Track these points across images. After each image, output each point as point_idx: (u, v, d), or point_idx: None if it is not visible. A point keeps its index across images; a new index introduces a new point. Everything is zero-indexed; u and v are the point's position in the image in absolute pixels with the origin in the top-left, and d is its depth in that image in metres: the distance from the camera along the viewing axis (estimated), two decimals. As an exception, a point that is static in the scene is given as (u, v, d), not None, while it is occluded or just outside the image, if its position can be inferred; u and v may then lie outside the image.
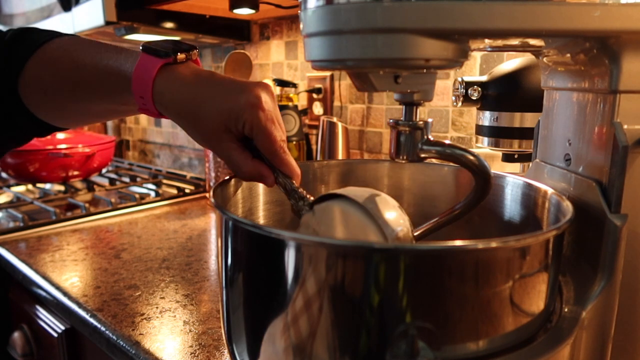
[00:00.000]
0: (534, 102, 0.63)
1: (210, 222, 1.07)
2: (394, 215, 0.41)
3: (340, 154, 1.12)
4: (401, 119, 0.41)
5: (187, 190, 1.30)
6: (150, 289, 0.73)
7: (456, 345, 0.32)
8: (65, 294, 0.72)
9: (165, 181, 1.44)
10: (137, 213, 1.15)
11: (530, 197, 0.46)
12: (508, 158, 0.71)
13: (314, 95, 1.28)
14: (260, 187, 0.52)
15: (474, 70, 0.99)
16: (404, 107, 0.40)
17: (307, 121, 1.32)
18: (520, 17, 0.33)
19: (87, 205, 1.12)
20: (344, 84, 1.23)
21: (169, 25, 1.22)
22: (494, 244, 0.31)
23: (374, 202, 0.41)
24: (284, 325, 0.33)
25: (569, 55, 0.42)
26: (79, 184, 1.39)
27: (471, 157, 0.40)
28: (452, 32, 0.34)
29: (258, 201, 0.53)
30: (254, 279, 0.36)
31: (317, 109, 1.28)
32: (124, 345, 0.59)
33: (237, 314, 0.38)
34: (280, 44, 1.36)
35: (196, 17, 1.27)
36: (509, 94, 0.66)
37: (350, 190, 0.43)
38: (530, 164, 0.51)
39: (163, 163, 1.86)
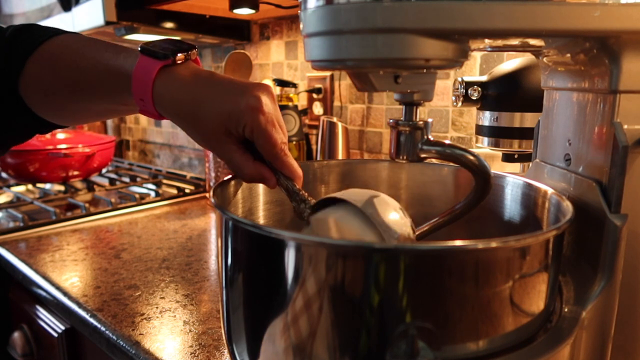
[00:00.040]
0: (534, 102, 0.63)
1: (210, 222, 1.07)
2: (395, 218, 0.41)
3: (340, 154, 1.12)
4: (401, 119, 0.41)
5: (187, 190, 1.30)
6: (150, 289, 0.73)
7: (456, 345, 0.32)
8: (65, 294, 0.72)
9: (165, 181, 1.44)
10: (137, 213, 1.15)
11: (530, 197, 0.46)
12: (508, 158, 0.71)
13: (314, 95, 1.28)
14: (261, 187, 0.52)
15: (474, 70, 0.99)
16: (404, 107, 0.40)
17: (307, 121, 1.32)
18: (520, 17, 0.33)
19: (87, 205, 1.12)
20: (344, 84, 1.23)
21: (169, 25, 1.22)
22: (494, 244, 0.31)
23: (373, 206, 0.41)
24: (284, 325, 0.33)
25: (569, 55, 0.42)
26: (79, 184, 1.39)
27: (471, 157, 0.40)
28: (452, 32, 0.34)
29: (258, 201, 0.53)
30: (254, 279, 0.36)
31: (317, 109, 1.28)
32: (124, 345, 0.59)
33: (237, 314, 0.38)
34: (280, 44, 1.36)
35: (196, 17, 1.27)
36: (509, 94, 0.66)
37: (350, 194, 0.43)
38: (530, 164, 0.51)
39: (163, 163, 1.86)
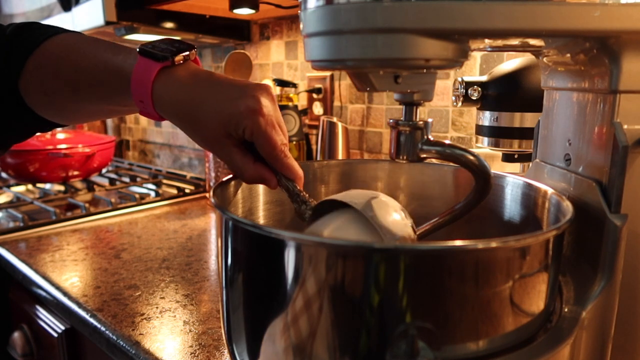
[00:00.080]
0: (534, 102, 0.63)
1: (210, 222, 1.07)
2: (395, 219, 0.41)
3: (340, 154, 1.12)
4: (401, 119, 0.41)
5: (187, 190, 1.30)
6: (150, 289, 0.73)
7: (456, 345, 0.32)
8: (65, 294, 0.72)
9: (165, 181, 1.44)
10: (137, 213, 1.15)
11: (530, 197, 0.46)
12: (508, 158, 0.71)
13: (314, 95, 1.28)
14: (261, 187, 0.52)
15: (474, 70, 0.99)
16: (404, 107, 0.40)
17: (307, 121, 1.32)
18: (520, 17, 0.33)
19: (87, 205, 1.12)
20: (344, 84, 1.23)
21: (169, 25, 1.22)
22: (494, 244, 0.31)
23: (373, 208, 0.41)
24: (284, 325, 0.33)
25: (569, 55, 0.42)
26: (79, 184, 1.39)
27: (471, 157, 0.40)
28: (452, 32, 0.34)
29: (258, 201, 0.53)
30: (254, 279, 0.36)
31: (317, 109, 1.28)
32: (124, 345, 0.59)
33: (237, 314, 0.38)
34: (280, 44, 1.36)
35: (196, 17, 1.27)
36: (509, 94, 0.66)
37: (350, 196, 0.43)
38: (530, 164, 0.51)
39: (163, 163, 1.86)
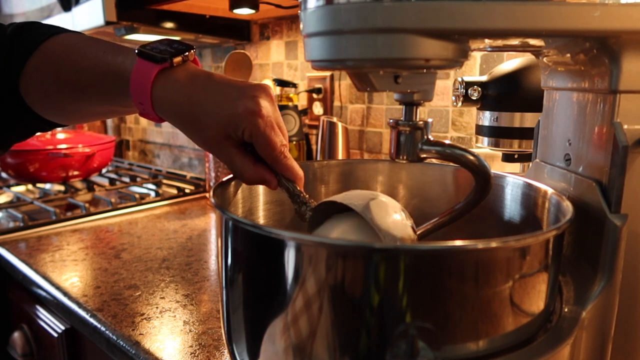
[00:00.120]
0: (534, 102, 0.63)
1: (210, 222, 1.07)
2: (395, 220, 0.41)
3: (340, 154, 1.12)
4: (401, 119, 0.41)
5: (187, 190, 1.30)
6: (150, 289, 0.73)
7: (456, 345, 0.32)
8: (65, 294, 0.72)
9: (165, 181, 1.44)
10: (137, 213, 1.15)
11: (530, 197, 0.46)
12: (508, 158, 0.71)
13: (314, 95, 1.28)
14: (261, 187, 0.52)
15: (474, 70, 0.99)
16: (404, 107, 0.40)
17: (307, 121, 1.32)
18: (520, 17, 0.33)
19: (87, 205, 1.12)
20: (344, 84, 1.23)
21: (169, 25, 1.22)
22: (494, 244, 0.31)
23: (373, 210, 0.41)
24: (284, 325, 0.33)
25: (569, 55, 0.42)
26: (79, 184, 1.39)
27: (471, 157, 0.40)
28: (452, 32, 0.34)
29: (258, 201, 0.53)
30: (254, 279, 0.36)
31: (317, 109, 1.28)
32: (124, 345, 0.59)
33: (237, 314, 0.38)
34: (280, 44, 1.36)
35: (196, 17, 1.27)
36: (509, 94, 0.66)
37: (350, 197, 0.43)
38: (530, 164, 0.51)
39: (163, 163, 1.86)
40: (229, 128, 0.44)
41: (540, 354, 0.34)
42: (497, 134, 0.68)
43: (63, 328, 0.78)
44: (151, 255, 0.87)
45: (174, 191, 1.31)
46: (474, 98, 0.68)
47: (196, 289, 0.73)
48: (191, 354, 0.56)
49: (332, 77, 1.25)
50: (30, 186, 1.42)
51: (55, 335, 0.79)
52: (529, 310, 0.35)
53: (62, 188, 1.35)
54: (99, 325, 0.64)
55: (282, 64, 1.37)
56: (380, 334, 0.31)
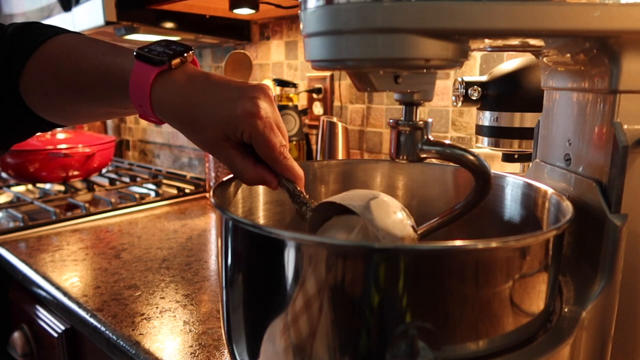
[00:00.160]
0: (534, 102, 0.63)
1: (210, 222, 1.07)
2: (395, 220, 0.41)
3: (340, 154, 1.12)
4: (401, 119, 0.41)
5: (187, 190, 1.30)
6: (150, 289, 0.73)
7: (456, 345, 0.32)
8: (65, 294, 0.72)
9: (165, 181, 1.44)
10: (137, 213, 1.15)
11: (530, 197, 0.46)
12: (508, 158, 0.71)
13: (314, 95, 1.28)
14: (261, 187, 0.52)
15: (474, 70, 0.99)
16: (404, 107, 0.40)
17: (307, 121, 1.32)
18: (520, 17, 0.33)
19: (87, 205, 1.12)
20: (344, 84, 1.23)
21: (169, 25, 1.22)
22: (494, 244, 0.31)
23: (373, 210, 0.41)
24: (284, 325, 0.33)
25: (569, 55, 0.42)
26: (79, 184, 1.39)
27: (471, 157, 0.40)
28: (452, 32, 0.34)
29: (258, 201, 0.53)
30: (254, 279, 0.36)
31: (317, 109, 1.28)
32: (124, 345, 0.59)
33: (237, 314, 0.38)
34: (280, 44, 1.36)
35: (196, 17, 1.27)
36: (509, 94, 0.66)
37: (350, 197, 0.43)
38: (530, 164, 0.51)
39: (163, 163, 1.86)
40: (228, 129, 0.44)
41: (540, 354, 0.34)
42: (497, 134, 0.68)
43: (63, 328, 0.78)
44: (151, 255, 0.87)
45: (174, 191, 1.31)
46: (474, 98, 0.68)
47: (196, 289, 0.73)
48: (191, 354, 0.56)
49: (332, 77, 1.25)
50: (30, 186, 1.42)
51: (55, 335, 0.79)
52: (529, 310, 0.35)
53: (62, 188, 1.35)
54: (99, 325, 0.64)
55: (282, 64, 1.37)
56: (380, 334, 0.31)
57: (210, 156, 1.18)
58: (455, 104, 0.70)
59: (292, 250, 0.32)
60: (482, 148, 0.71)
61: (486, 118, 0.68)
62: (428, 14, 0.32)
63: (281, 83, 1.21)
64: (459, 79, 0.69)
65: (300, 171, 0.46)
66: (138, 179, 1.45)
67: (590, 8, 0.34)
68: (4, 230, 1.01)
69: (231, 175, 0.48)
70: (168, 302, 0.69)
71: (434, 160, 0.45)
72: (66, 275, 0.79)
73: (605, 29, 0.35)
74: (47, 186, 1.38)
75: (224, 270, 0.39)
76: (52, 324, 0.80)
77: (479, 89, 0.68)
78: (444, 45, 0.34)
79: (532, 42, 0.41)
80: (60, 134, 1.40)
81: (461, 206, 0.45)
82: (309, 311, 0.32)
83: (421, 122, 0.40)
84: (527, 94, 0.65)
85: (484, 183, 0.42)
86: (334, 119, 1.12)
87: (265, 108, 0.44)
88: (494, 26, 0.33)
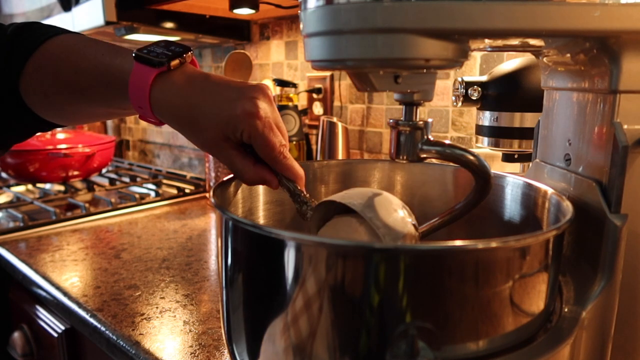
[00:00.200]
0: (534, 102, 0.63)
1: (210, 222, 1.07)
2: (396, 217, 0.41)
3: (340, 154, 1.12)
4: (401, 119, 0.41)
5: (187, 190, 1.30)
6: (150, 289, 0.73)
7: (456, 345, 0.32)
8: (65, 294, 0.72)
9: (165, 181, 1.44)
10: (137, 213, 1.15)
11: (530, 197, 0.46)
12: (508, 158, 0.71)
13: (314, 95, 1.28)
14: (261, 187, 0.52)
15: (474, 70, 0.99)
16: (404, 107, 0.40)
17: (307, 121, 1.32)
18: (520, 17, 0.33)
19: (87, 205, 1.12)
20: (344, 84, 1.23)
21: (169, 25, 1.22)
22: (494, 244, 0.31)
23: (373, 208, 0.41)
24: (284, 325, 0.33)
25: (569, 55, 0.42)
26: (79, 184, 1.39)
27: (471, 157, 0.40)
28: (452, 32, 0.34)
29: (258, 201, 0.53)
30: (254, 279, 0.36)
31: (317, 109, 1.28)
32: (124, 345, 0.59)
33: (237, 314, 0.38)
34: (280, 44, 1.36)
35: (196, 17, 1.27)
36: (509, 94, 0.66)
37: (350, 196, 0.43)
38: (530, 164, 0.51)
39: (163, 163, 1.86)
40: (228, 130, 0.44)
41: (540, 354, 0.34)
42: (497, 134, 0.68)
43: (63, 328, 0.78)
44: (151, 255, 0.87)
45: (174, 191, 1.31)
46: (474, 98, 0.68)
47: (196, 289, 0.73)
48: (191, 354, 0.56)
49: (332, 77, 1.25)
50: (30, 186, 1.42)
51: (55, 335, 0.79)
52: (529, 310, 0.35)
53: (62, 188, 1.35)
54: (99, 325, 0.64)
55: (282, 64, 1.37)
56: (380, 334, 0.31)
57: (210, 156, 1.18)
58: (455, 104, 0.70)
59: (292, 250, 0.32)
60: (482, 148, 0.71)
61: (486, 118, 0.68)
62: (428, 14, 0.32)
63: (281, 83, 1.21)
64: (459, 79, 0.69)
65: (300, 170, 0.46)
66: (138, 179, 1.45)
67: (590, 8, 0.34)
68: (4, 230, 1.01)
69: (231, 175, 0.48)
70: (168, 302, 0.69)
71: (434, 160, 0.45)
72: (66, 275, 0.79)
73: (605, 29, 0.35)
74: (47, 186, 1.38)
75: (224, 270, 0.39)
76: (52, 324, 0.80)
77: (479, 89, 0.68)
78: (444, 45, 0.34)
79: (532, 42, 0.41)
80: (60, 134, 1.40)
81: (461, 206, 0.45)
82: (309, 311, 0.32)
83: (421, 122, 0.40)
84: (527, 94, 0.65)
85: (484, 183, 0.42)
86: (334, 119, 1.12)
87: (265, 108, 0.44)
88: (494, 26, 0.33)
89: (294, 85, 1.23)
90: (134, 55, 0.46)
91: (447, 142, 0.41)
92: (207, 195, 1.29)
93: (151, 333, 0.61)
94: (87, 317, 0.66)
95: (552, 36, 0.38)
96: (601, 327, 0.39)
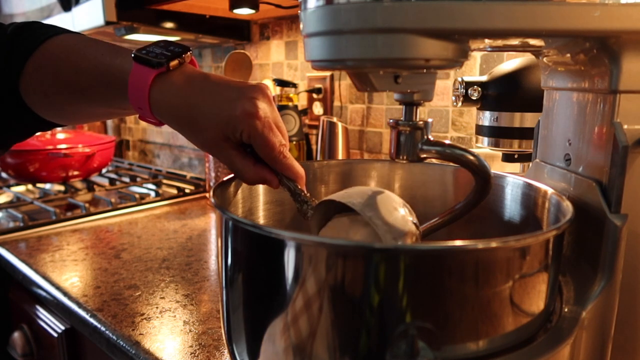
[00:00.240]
0: (534, 102, 0.63)
1: (210, 222, 1.07)
2: (396, 216, 0.41)
3: (340, 154, 1.12)
4: (401, 119, 0.41)
5: (187, 190, 1.30)
6: (150, 289, 0.73)
7: (456, 345, 0.32)
8: (65, 294, 0.72)
9: (165, 181, 1.44)
10: (137, 213, 1.15)
11: (530, 197, 0.46)
12: (508, 158, 0.71)
13: (314, 95, 1.28)
14: (261, 187, 0.52)
15: (474, 70, 0.99)
16: (404, 107, 0.40)
17: (307, 121, 1.32)
18: (520, 17, 0.33)
19: (87, 205, 1.12)
20: (344, 84, 1.23)
21: (169, 25, 1.22)
22: (494, 244, 0.31)
23: (373, 207, 0.41)
24: (284, 325, 0.33)
25: (569, 55, 0.42)
26: (79, 184, 1.39)
27: (471, 157, 0.40)
28: (452, 32, 0.34)
29: (258, 201, 0.53)
30: (254, 279, 0.36)
31: (317, 109, 1.28)
32: (124, 345, 0.59)
33: (237, 314, 0.38)
34: (280, 44, 1.36)
35: (196, 17, 1.27)
36: (509, 94, 0.66)
37: (350, 195, 0.43)
38: (530, 164, 0.51)
39: (163, 163, 1.86)
40: (227, 130, 0.44)
41: (540, 354, 0.34)
42: (497, 134, 0.68)
43: (63, 328, 0.78)
44: (151, 255, 0.87)
45: (174, 191, 1.31)
46: (474, 98, 0.68)
47: (196, 289, 0.73)
48: (191, 354, 0.56)
49: (332, 77, 1.25)
50: (30, 186, 1.42)
51: (55, 335, 0.79)
52: (529, 310, 0.35)
53: (62, 188, 1.35)
54: (99, 325, 0.64)
55: (282, 64, 1.37)
56: (380, 334, 0.31)
57: (210, 156, 1.18)
58: (455, 104, 0.70)
59: (292, 250, 0.32)
60: (482, 148, 0.71)
61: (486, 118, 0.68)
62: (428, 14, 0.32)
63: (281, 83, 1.21)
64: (459, 79, 0.69)
65: (300, 170, 0.46)
66: (138, 179, 1.45)
67: (590, 8, 0.34)
68: (4, 230, 1.01)
69: (231, 175, 0.48)
70: (168, 302, 0.69)
71: (434, 160, 0.45)
72: (66, 275, 0.79)
73: (605, 29, 0.35)
74: (47, 186, 1.38)
75: (224, 270, 0.39)
76: (52, 324, 0.80)
77: (479, 89, 0.68)
78: (444, 45, 0.34)
79: (532, 42, 0.41)
80: (60, 134, 1.40)
81: (461, 206, 0.45)
82: (309, 311, 0.32)
83: (421, 122, 0.40)
84: (527, 94, 0.65)
85: (484, 183, 0.42)
86: (334, 119, 1.12)
87: (264, 108, 0.44)
88: (494, 26, 0.33)
89: (294, 85, 1.23)
90: (133, 55, 0.46)
91: (447, 142, 0.41)
92: (207, 195, 1.29)
93: (151, 333, 0.61)
94: (87, 317, 0.66)
95: (552, 36, 0.38)
96: (601, 327, 0.39)
